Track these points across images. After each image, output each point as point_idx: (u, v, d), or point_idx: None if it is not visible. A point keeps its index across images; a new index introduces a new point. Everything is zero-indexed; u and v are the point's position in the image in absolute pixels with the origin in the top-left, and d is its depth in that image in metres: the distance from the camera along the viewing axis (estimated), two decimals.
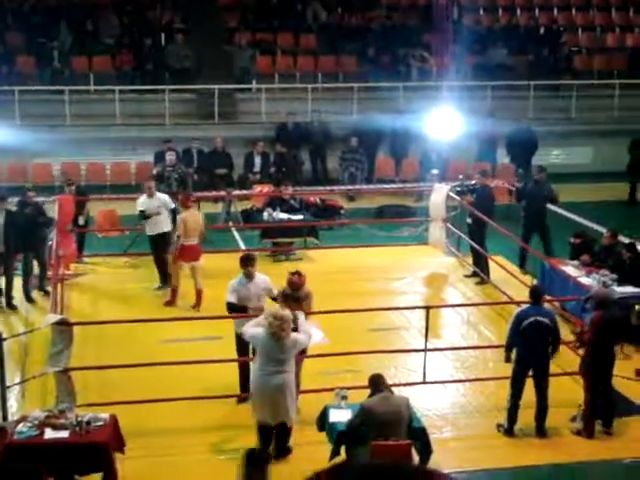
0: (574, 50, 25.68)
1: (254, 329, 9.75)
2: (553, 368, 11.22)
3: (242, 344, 10.58)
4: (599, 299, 10.62)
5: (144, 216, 14.85)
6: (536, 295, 10.48)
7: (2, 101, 21.26)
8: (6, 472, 8.42)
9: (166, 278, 14.74)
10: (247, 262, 10.98)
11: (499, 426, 10.43)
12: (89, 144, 21.01)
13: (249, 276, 10.91)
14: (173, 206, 14.96)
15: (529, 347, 10.22)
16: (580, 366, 10.62)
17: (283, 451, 9.94)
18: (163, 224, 14.91)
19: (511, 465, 9.93)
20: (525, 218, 16.04)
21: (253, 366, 9.93)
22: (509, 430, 10.36)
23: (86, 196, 16.52)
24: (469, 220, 15.86)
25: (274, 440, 9.92)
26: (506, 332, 10.49)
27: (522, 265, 15.74)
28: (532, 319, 10.20)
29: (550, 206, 16.61)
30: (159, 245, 14.90)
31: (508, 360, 10.41)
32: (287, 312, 9.69)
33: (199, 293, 14.13)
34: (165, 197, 15.08)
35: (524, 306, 10.60)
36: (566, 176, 21.04)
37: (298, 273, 10.87)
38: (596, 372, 10.41)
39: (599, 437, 10.44)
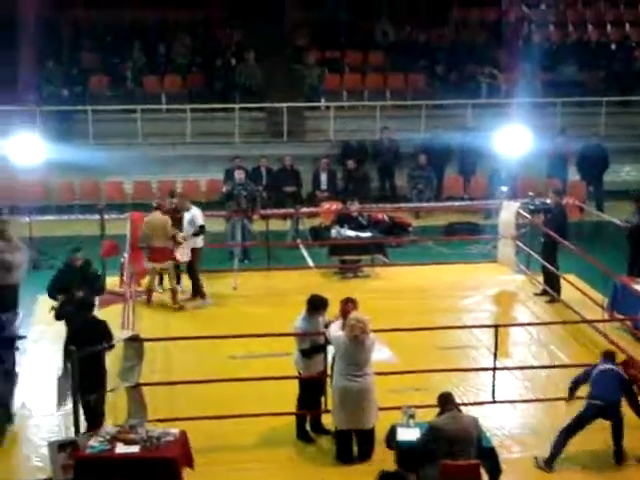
0: None
1: (337, 332, 10.01)
2: None
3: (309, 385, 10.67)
4: None
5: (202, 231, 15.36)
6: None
7: (76, 120, 21.73)
8: None
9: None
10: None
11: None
12: (160, 162, 21.31)
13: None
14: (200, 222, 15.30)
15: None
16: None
17: (368, 454, 10.11)
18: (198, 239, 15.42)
19: None
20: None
21: (335, 371, 10.08)
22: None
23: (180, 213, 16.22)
24: (542, 239, 15.68)
25: (357, 445, 10.10)
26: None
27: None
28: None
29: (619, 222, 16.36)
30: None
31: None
32: (366, 315, 9.95)
33: (174, 292, 14.93)
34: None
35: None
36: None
37: (351, 301, 10.72)
38: None
39: None
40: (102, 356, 10.21)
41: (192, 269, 15.44)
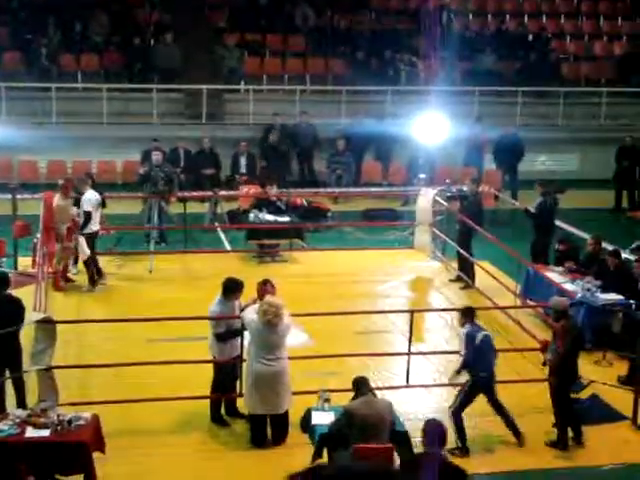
0: (562, 57, 25.77)
1: (251, 315, 9.97)
2: (536, 374, 11.31)
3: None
4: (559, 309, 10.57)
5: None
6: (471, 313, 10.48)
7: None
8: None
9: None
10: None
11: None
12: (76, 142, 20.92)
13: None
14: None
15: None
16: (551, 379, 10.46)
17: (282, 438, 10.13)
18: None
19: (489, 471, 9.89)
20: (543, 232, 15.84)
21: (247, 356, 10.08)
22: None
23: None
24: (458, 226, 15.88)
25: (271, 430, 10.10)
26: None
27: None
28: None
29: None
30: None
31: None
32: (279, 300, 9.93)
33: (55, 273, 14.76)
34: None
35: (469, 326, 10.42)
36: (552, 182, 21.09)
37: (269, 282, 10.75)
38: (569, 381, 10.41)
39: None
40: (18, 335, 10.04)
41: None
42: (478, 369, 10.16)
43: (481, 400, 10.32)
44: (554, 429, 10.44)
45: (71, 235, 14.84)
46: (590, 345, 12.40)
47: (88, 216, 14.72)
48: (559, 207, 16.15)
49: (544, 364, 10.77)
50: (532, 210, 15.55)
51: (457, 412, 10.14)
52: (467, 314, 10.39)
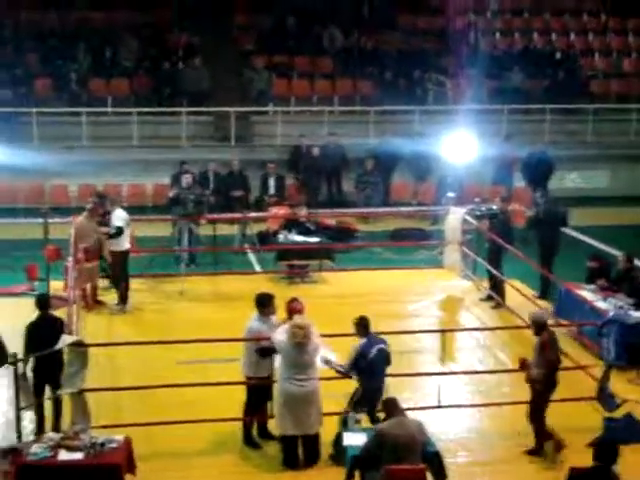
0: (591, 74, 25.68)
1: (281, 336, 10.00)
2: (567, 392, 11.20)
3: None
4: (539, 322, 10.51)
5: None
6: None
7: (21, 123, 21.43)
8: None
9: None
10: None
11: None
12: (106, 166, 21.11)
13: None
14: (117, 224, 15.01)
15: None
16: (537, 385, 10.31)
17: (315, 459, 10.12)
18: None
19: None
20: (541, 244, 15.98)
21: (279, 376, 10.09)
22: None
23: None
24: (487, 244, 15.84)
25: (303, 451, 10.10)
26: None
27: (544, 294, 15.53)
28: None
29: (566, 230, 16.59)
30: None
31: None
32: (307, 320, 9.99)
33: (84, 292, 15.03)
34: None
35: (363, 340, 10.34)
36: (583, 200, 21.01)
37: (296, 300, 10.78)
38: (551, 390, 10.30)
39: None
40: (60, 354, 10.17)
41: (113, 273, 15.29)
42: (370, 382, 10.16)
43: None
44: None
45: (91, 256, 14.87)
46: (624, 363, 12.28)
47: (120, 230, 14.88)
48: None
49: (529, 381, 10.53)
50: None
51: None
52: (360, 326, 10.41)
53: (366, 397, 10.20)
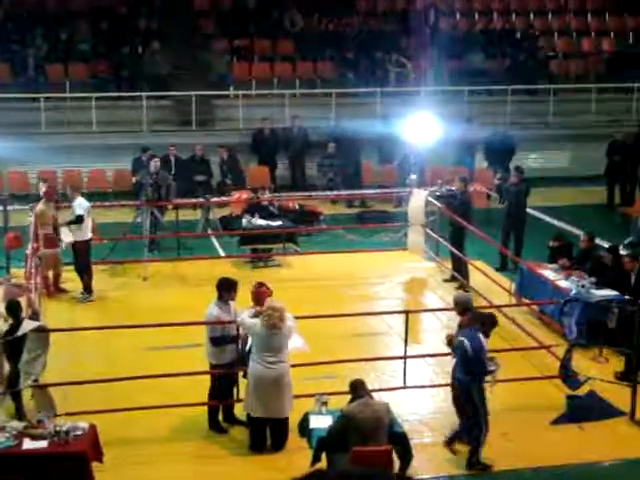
0: (550, 55, 25.81)
1: (251, 320, 9.98)
2: (532, 372, 11.30)
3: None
4: (463, 304, 10.62)
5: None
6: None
7: None
8: None
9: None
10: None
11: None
12: (65, 152, 20.88)
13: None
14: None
15: None
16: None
17: (282, 444, 10.10)
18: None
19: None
20: (506, 219, 16.15)
21: (250, 358, 10.03)
22: None
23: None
24: (450, 226, 15.90)
25: (270, 435, 10.08)
26: None
27: (503, 267, 15.91)
28: None
29: (528, 209, 16.71)
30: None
31: None
32: (281, 303, 9.97)
33: (45, 279, 14.89)
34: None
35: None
36: (544, 180, 21.13)
37: (264, 285, 10.76)
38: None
39: (577, 438, 10.46)
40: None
41: (76, 263, 15.06)
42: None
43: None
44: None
45: (53, 242, 14.75)
46: (586, 341, 12.40)
47: (80, 219, 14.67)
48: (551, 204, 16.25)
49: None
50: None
51: None
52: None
53: None
